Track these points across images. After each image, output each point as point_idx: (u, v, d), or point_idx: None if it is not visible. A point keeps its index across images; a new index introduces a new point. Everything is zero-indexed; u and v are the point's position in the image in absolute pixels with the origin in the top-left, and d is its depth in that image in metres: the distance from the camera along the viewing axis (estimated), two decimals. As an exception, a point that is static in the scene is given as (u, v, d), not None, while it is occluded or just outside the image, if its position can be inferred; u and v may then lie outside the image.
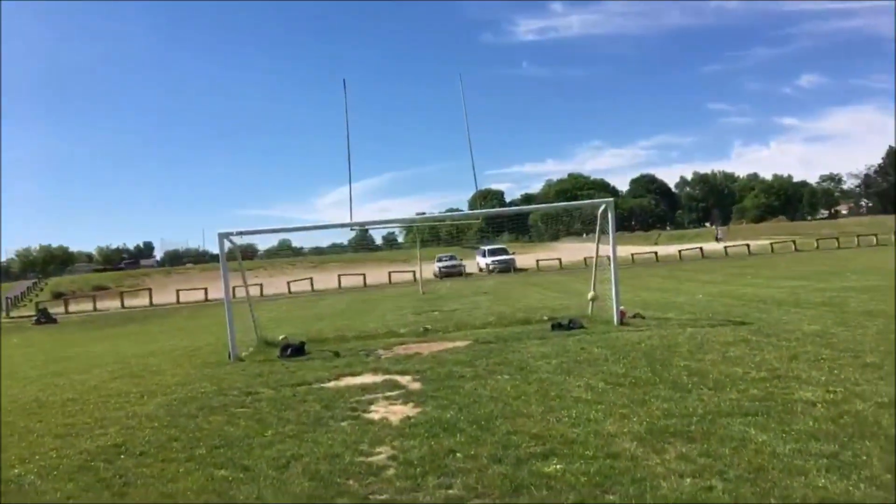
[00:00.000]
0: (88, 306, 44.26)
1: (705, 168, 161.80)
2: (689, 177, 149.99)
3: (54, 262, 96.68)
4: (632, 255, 49.34)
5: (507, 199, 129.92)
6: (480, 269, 50.15)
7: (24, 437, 7.40)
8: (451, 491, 4.61)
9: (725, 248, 51.74)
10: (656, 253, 52.46)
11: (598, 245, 15.02)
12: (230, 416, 7.67)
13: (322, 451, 5.88)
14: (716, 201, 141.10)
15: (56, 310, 39.68)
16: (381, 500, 4.56)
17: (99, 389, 10.42)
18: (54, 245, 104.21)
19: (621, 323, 12.91)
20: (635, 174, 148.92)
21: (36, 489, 5.49)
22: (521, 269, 48.33)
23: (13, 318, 41.89)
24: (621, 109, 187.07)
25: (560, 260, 49.75)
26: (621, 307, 13.32)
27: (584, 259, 42.44)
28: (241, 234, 13.49)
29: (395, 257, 62.89)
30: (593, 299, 13.75)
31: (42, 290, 58.24)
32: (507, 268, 47.61)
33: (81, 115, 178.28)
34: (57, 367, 14.28)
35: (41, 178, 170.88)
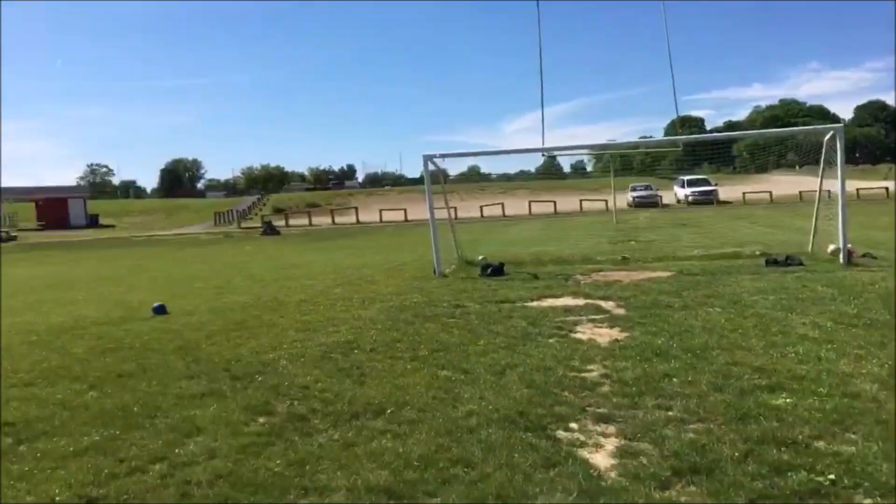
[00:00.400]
0: (304, 221, 48.85)
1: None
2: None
3: (272, 180, 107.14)
4: (857, 190, 43.98)
5: (709, 127, 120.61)
6: (678, 201, 47.72)
7: (271, 330, 8.52)
8: (670, 413, 4.64)
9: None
10: (887, 189, 46.27)
11: (821, 177, 13.62)
12: (443, 325, 8.23)
13: (534, 363, 6.15)
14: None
15: (278, 223, 44.30)
16: (599, 412, 4.72)
17: (325, 294, 11.64)
18: (272, 165, 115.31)
19: (849, 262, 11.75)
20: (861, 100, 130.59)
21: (288, 371, 6.35)
22: (724, 202, 45.23)
23: (243, 228, 47.45)
24: (846, 24, 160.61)
25: (770, 193, 45.74)
26: (849, 245, 12.09)
27: (800, 193, 38.71)
28: (444, 156, 14.00)
29: (583, 186, 61.68)
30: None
31: (265, 205, 65.09)
32: (709, 200, 44.80)
33: (293, 43, 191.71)
34: (286, 273, 16.08)
35: (258, 101, 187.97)
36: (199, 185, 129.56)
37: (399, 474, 3.80)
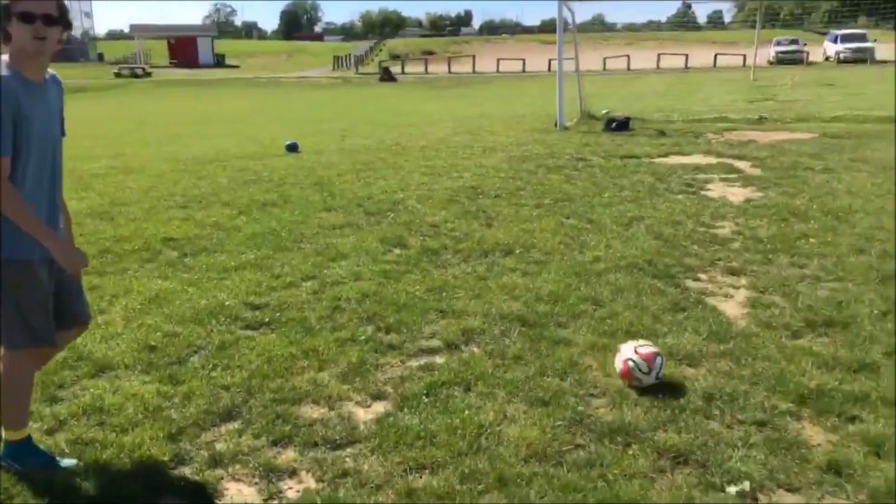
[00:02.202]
0: (420, 69, 48.29)
1: None
2: None
3: (389, 25, 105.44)
4: None
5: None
6: (828, 58, 43.03)
7: (397, 172, 8.83)
8: (805, 270, 4.57)
9: None
10: None
11: None
12: (566, 176, 8.22)
13: (662, 217, 6.11)
14: None
15: (394, 69, 44.08)
16: (730, 266, 4.71)
17: (446, 141, 11.77)
18: (389, 9, 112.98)
19: None
20: None
21: (418, 210, 6.65)
22: (883, 62, 40.43)
23: (361, 73, 47.67)
24: None
25: (939, 52, 40.30)
26: None
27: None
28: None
29: (719, 38, 56.59)
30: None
31: (381, 50, 64.58)
32: (864, 58, 40.07)
33: None
34: (406, 119, 16.29)
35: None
36: (317, 28, 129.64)
37: (531, 306, 4.04)
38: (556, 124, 13.25)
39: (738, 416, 2.78)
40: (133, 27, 69.55)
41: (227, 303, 4.26)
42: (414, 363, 3.40)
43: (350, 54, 56.63)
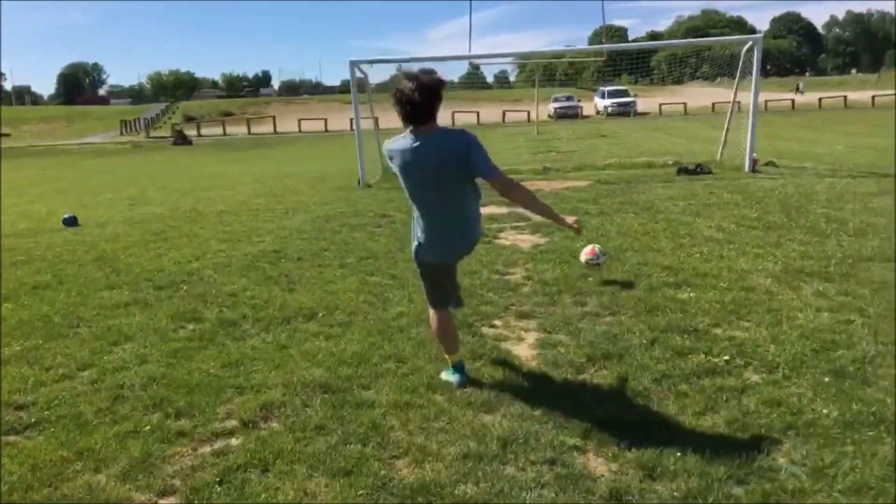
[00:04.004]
0: (218, 130, 46.83)
1: (861, 7, 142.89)
2: (840, 16, 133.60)
3: (182, 87, 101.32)
4: (765, 101, 45.72)
5: (631, 38, 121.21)
6: (598, 112, 48.32)
7: (192, 240, 8.37)
8: (585, 308, 4.97)
9: (874, 97, 46.73)
10: (793, 101, 48.39)
11: (736, 87, 14.13)
12: (370, 233, 8.31)
13: (460, 268, 6.34)
14: (867, 45, 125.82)
15: (189, 132, 42.30)
16: (521, 310, 4.99)
17: (247, 204, 11.43)
18: (182, 70, 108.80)
19: (753, 170, 12.43)
20: (779, 12, 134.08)
21: (214, 280, 6.33)
22: (642, 114, 46.21)
23: (153, 137, 45.13)
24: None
25: (685, 105, 46.97)
26: (754, 154, 12.76)
27: (713, 105, 39.93)
28: (371, 62, 13.63)
29: (506, 96, 61.39)
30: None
31: (174, 112, 61.80)
32: (628, 111, 45.57)
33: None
34: (203, 183, 15.59)
35: (165, 1, 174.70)
36: (102, 91, 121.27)
37: (334, 370, 3.96)
38: (359, 182, 13.43)
39: (531, 457, 2.90)
40: None
41: (-17, 407, 3.70)
42: (206, 449, 3.16)
43: (140, 117, 53.56)
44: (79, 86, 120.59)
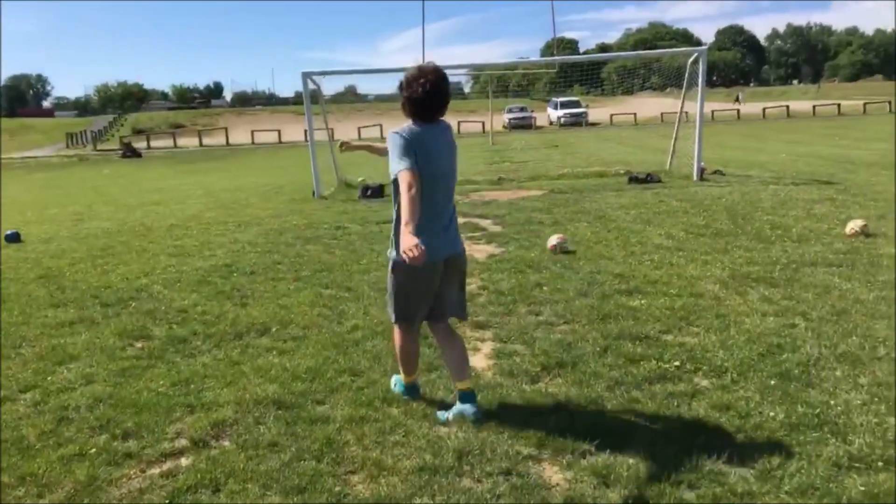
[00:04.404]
0: (168, 143, 45.91)
1: (801, 20, 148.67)
2: (781, 29, 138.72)
3: (131, 98, 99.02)
4: (712, 111, 47.07)
5: (582, 50, 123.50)
6: (551, 122, 49.07)
7: (141, 255, 8.18)
8: (540, 317, 5.01)
9: (814, 107, 48.58)
10: (738, 111, 49.96)
11: (683, 97, 14.52)
12: (325, 246, 8.24)
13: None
14: (807, 57, 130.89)
15: (138, 144, 41.36)
16: (477, 320, 5.00)
17: (198, 218, 11.22)
18: (130, 82, 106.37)
19: (701, 179, 12.77)
20: (723, 24, 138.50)
21: (164, 296, 6.18)
22: (594, 124, 47.07)
23: (100, 150, 43.97)
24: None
25: (635, 115, 48.01)
26: (702, 163, 13.12)
27: (661, 115, 40.90)
28: (324, 74, 13.58)
29: (460, 107, 61.76)
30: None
31: (123, 125, 60.37)
32: (579, 121, 46.42)
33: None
34: (153, 197, 15.26)
35: (115, 9, 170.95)
36: (46, 103, 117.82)
37: (287, 386, 3.91)
38: (313, 194, 13.32)
39: (487, 468, 2.90)
40: None
41: (-84, 435, 3.53)
42: (155, 470, 3.07)
43: (86, 130, 52.17)
44: (21, 98, 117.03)
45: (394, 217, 3.28)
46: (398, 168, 3.10)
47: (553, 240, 7.17)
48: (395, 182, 3.15)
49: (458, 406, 3.41)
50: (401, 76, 3.30)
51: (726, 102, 58.44)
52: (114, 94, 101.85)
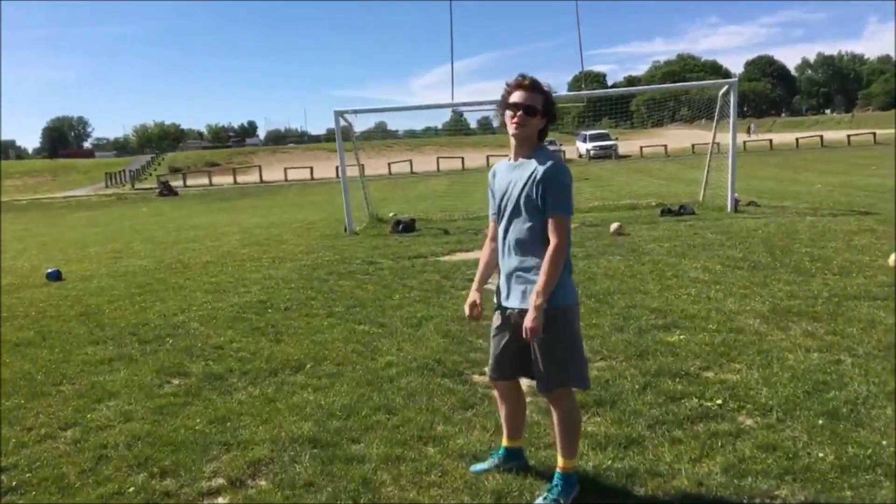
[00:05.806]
0: (204, 181, 46.92)
1: (832, 49, 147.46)
2: (812, 59, 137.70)
3: (168, 138, 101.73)
4: (744, 142, 46.67)
5: (610, 83, 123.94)
6: (580, 156, 49.05)
7: (178, 292, 8.30)
8: (576, 353, 4.93)
9: (849, 136, 47.87)
10: (770, 141, 49.44)
11: (715, 128, 14.43)
12: (358, 281, 8.28)
13: (449, 314, 6.33)
14: (839, 86, 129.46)
15: (175, 183, 42.35)
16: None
17: (232, 255, 11.38)
18: (167, 122, 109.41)
19: (735, 210, 12.60)
20: (752, 55, 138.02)
21: (200, 333, 6.25)
22: (624, 156, 46.95)
23: (138, 189, 45.12)
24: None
25: (666, 147, 47.81)
26: (735, 194, 12.96)
27: (692, 146, 40.66)
28: (355, 112, 13.81)
29: (489, 142, 62.18)
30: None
31: (160, 164, 61.95)
32: (609, 154, 46.32)
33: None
34: (189, 235, 15.55)
35: (153, 55, 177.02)
36: (87, 144, 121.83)
37: (322, 424, 3.89)
38: (345, 229, 13.46)
39: (527, 510, 2.84)
40: None
41: (-39, 472, 3.58)
42: (193, 510, 3.07)
43: (125, 170, 53.67)
44: (63, 139, 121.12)
45: (548, 257, 2.82)
46: (570, 212, 2.85)
47: (614, 226, 9.64)
48: (556, 221, 2.81)
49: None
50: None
51: (759, 132, 57.84)
52: (151, 134, 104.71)
